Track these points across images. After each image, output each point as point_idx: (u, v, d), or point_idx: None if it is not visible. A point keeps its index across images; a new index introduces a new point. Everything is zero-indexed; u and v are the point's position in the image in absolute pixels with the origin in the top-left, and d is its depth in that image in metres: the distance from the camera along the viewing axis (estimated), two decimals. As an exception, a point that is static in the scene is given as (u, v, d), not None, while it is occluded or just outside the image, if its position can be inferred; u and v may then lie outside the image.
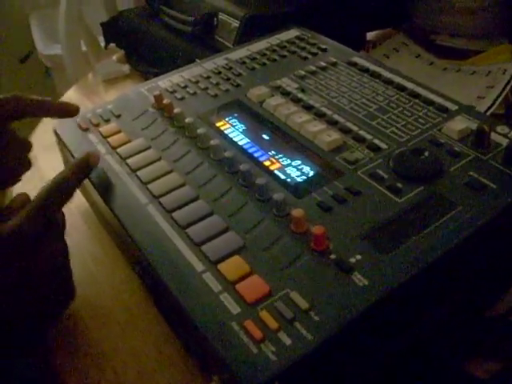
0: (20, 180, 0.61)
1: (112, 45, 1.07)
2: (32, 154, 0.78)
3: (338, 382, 0.43)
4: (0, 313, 0.45)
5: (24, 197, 0.53)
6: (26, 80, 2.01)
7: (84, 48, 1.33)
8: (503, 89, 0.80)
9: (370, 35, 1.01)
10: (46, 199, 0.49)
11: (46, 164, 0.80)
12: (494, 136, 0.55)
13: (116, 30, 1.03)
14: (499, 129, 0.56)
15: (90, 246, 0.64)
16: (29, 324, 0.48)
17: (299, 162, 0.55)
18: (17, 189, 0.77)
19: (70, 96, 1.00)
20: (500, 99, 0.78)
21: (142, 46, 0.99)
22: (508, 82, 0.80)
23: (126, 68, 1.02)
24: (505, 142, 0.54)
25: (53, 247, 0.49)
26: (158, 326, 0.54)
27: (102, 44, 1.10)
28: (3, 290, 0.45)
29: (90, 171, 0.56)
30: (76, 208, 0.69)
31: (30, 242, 0.46)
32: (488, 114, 0.74)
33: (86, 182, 0.59)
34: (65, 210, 0.69)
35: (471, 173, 0.51)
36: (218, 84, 0.69)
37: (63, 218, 0.53)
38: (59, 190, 0.50)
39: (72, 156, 0.62)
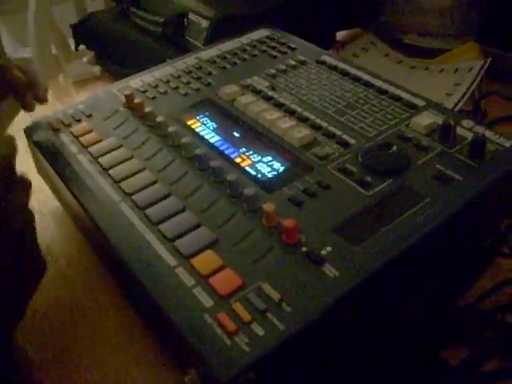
0: None
1: (82, 47, 1.06)
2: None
3: (312, 372, 0.44)
4: None
5: None
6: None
7: (54, 51, 1.32)
8: (469, 86, 0.81)
9: (340, 35, 1.02)
10: None
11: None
12: (459, 130, 0.56)
13: (86, 32, 1.03)
14: (464, 123, 0.57)
15: (62, 246, 0.64)
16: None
17: (270, 158, 0.56)
18: None
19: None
20: (467, 96, 0.79)
21: (113, 48, 0.99)
22: (474, 80, 0.82)
23: (96, 69, 1.01)
24: (470, 135, 0.55)
25: (15, 207, 0.45)
26: (131, 322, 0.54)
27: (73, 47, 1.09)
28: None
29: None
30: (47, 209, 0.69)
31: None
32: (456, 110, 0.76)
33: (58, 182, 0.60)
34: (36, 211, 0.69)
35: (438, 166, 0.52)
36: (188, 83, 0.69)
37: (28, 183, 0.48)
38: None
39: (43, 156, 0.62)
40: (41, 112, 0.69)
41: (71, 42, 1.11)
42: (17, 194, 0.46)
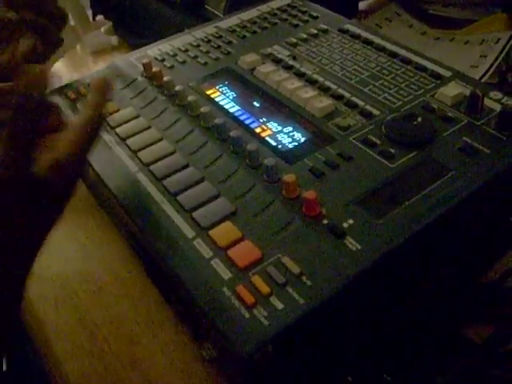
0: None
1: (100, 17, 1.05)
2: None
3: (331, 346, 0.43)
4: None
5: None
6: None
7: (72, 22, 1.31)
8: (496, 58, 0.79)
9: (362, 4, 1.00)
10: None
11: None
12: (487, 102, 0.54)
13: (104, 2, 1.02)
14: (492, 94, 0.55)
15: (80, 219, 0.63)
16: None
17: (290, 128, 0.54)
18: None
19: (59, 69, 0.98)
20: (493, 68, 0.77)
21: (131, 17, 0.97)
22: (501, 51, 0.80)
23: (114, 40, 1.00)
24: (498, 107, 0.53)
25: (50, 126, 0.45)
26: (149, 294, 0.54)
27: (91, 17, 1.08)
28: None
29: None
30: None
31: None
32: (481, 82, 0.73)
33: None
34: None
35: (464, 138, 0.50)
36: (207, 52, 0.68)
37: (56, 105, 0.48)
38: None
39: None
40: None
41: (89, 14, 1.10)
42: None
